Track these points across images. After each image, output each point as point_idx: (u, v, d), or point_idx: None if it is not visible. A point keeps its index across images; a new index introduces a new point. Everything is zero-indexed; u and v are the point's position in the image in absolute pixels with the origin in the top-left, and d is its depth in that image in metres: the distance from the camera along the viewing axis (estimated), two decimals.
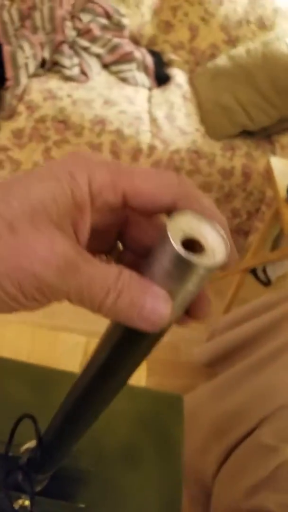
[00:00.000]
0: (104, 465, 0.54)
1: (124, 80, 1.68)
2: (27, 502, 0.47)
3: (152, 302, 0.20)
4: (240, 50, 1.75)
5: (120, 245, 0.26)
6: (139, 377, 0.65)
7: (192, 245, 0.20)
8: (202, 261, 0.19)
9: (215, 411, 1.09)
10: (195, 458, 1.03)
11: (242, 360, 1.17)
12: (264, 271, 1.91)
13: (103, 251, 0.26)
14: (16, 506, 0.46)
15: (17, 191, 0.20)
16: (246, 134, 1.69)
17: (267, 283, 1.92)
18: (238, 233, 1.78)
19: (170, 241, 0.19)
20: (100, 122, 1.49)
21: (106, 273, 0.20)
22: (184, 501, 0.57)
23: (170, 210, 0.22)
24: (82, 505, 0.52)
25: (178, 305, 0.21)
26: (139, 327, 0.21)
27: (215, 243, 0.20)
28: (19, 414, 0.42)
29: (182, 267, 0.19)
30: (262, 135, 1.72)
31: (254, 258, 1.54)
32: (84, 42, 1.66)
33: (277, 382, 1.05)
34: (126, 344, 0.24)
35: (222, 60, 1.77)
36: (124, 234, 0.25)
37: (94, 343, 0.32)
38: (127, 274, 0.20)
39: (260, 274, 1.92)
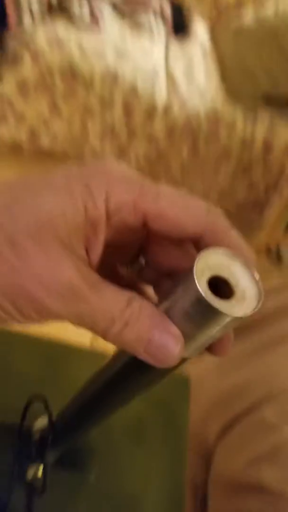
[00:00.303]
0: (112, 439, 0.57)
1: (138, 27, 1.52)
2: (39, 474, 0.49)
3: (161, 339, 0.18)
4: (268, 11, 1.62)
5: (142, 261, 0.24)
6: None
7: (220, 286, 0.18)
8: (229, 308, 0.17)
9: (220, 384, 1.07)
10: (198, 427, 1.04)
11: (252, 337, 1.16)
12: (278, 250, 1.83)
13: (123, 262, 0.24)
14: (29, 477, 0.48)
15: (24, 201, 0.19)
16: (270, 102, 1.57)
17: (279, 262, 1.84)
18: (253, 208, 1.68)
19: (194, 281, 0.17)
20: (112, 75, 1.36)
21: (113, 302, 0.19)
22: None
23: (194, 240, 0.21)
24: (92, 476, 0.56)
25: (195, 347, 0.20)
26: (145, 360, 0.19)
27: (247, 287, 0.18)
28: (30, 388, 0.47)
29: (205, 313, 0.18)
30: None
31: (269, 236, 1.46)
32: None
33: (285, 365, 1.03)
34: (133, 370, 0.23)
35: (248, 18, 1.65)
36: (146, 250, 0.23)
37: None
38: (137, 305, 0.19)
39: (273, 253, 1.83)
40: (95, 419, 0.34)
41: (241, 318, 0.17)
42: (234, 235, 0.20)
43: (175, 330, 0.19)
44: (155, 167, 1.54)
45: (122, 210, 0.20)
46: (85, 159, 1.32)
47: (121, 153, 1.49)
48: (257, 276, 0.19)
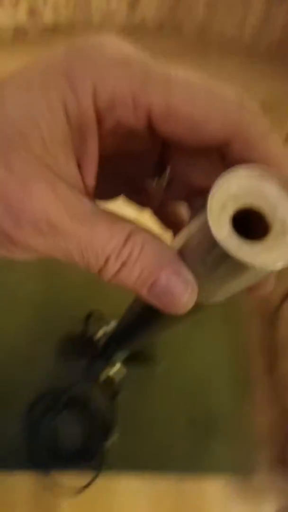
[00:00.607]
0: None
1: None
2: (111, 373, 0.55)
3: (168, 282, 0.15)
4: None
5: (167, 173, 0.19)
6: None
7: (253, 220, 0.14)
8: (261, 256, 0.13)
9: None
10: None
11: None
12: None
13: (145, 175, 0.20)
14: (103, 377, 0.54)
15: None
16: None
17: None
18: None
19: (207, 222, 0.13)
20: None
21: (107, 237, 0.15)
22: None
23: (220, 149, 0.15)
24: (159, 368, 0.59)
25: (215, 295, 0.16)
26: (152, 304, 0.16)
27: None
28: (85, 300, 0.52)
29: (226, 264, 0.13)
30: None
31: None
32: None
33: None
34: (149, 312, 0.21)
35: None
36: (167, 160, 0.18)
37: None
38: (140, 240, 0.15)
39: None
40: (142, 338, 0.35)
41: (277, 269, 0.13)
42: (274, 143, 0.15)
43: (186, 273, 0.15)
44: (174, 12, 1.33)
45: (118, 107, 0.15)
46: (92, 27, 1.17)
47: (131, 8, 1.29)
48: None
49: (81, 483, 0.55)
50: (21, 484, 0.55)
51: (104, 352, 0.52)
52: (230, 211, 0.14)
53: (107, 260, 0.15)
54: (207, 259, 0.14)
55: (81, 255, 0.15)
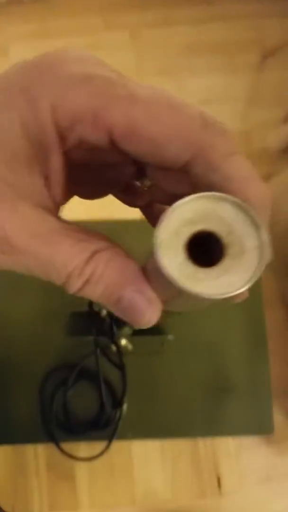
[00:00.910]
0: None
1: None
2: (123, 342, 0.57)
3: (132, 300, 0.15)
4: None
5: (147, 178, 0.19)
6: None
7: (211, 241, 0.13)
8: (214, 286, 0.12)
9: None
10: (280, 243, 1.04)
11: None
12: None
13: (127, 180, 0.20)
14: (114, 347, 0.55)
15: None
16: None
17: None
18: None
19: (158, 254, 0.13)
20: None
21: (69, 255, 0.15)
22: None
23: (185, 168, 0.15)
24: (171, 337, 0.60)
25: (180, 309, 0.17)
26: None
27: (244, 234, 0.13)
28: None
29: (181, 292, 0.13)
30: None
31: None
32: None
33: None
34: None
35: None
36: (144, 168, 0.18)
37: None
38: (104, 258, 0.15)
39: None
40: None
41: (230, 296, 0.13)
42: (237, 164, 0.15)
43: (148, 292, 0.16)
44: None
45: (78, 125, 0.14)
46: None
47: None
48: (264, 231, 0.13)
49: (96, 451, 0.58)
50: (39, 454, 0.58)
51: (111, 327, 0.53)
52: (184, 237, 0.14)
53: (68, 277, 0.15)
54: (166, 283, 0.14)
55: (43, 272, 0.16)
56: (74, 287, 0.16)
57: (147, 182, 0.21)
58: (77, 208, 0.63)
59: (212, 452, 0.60)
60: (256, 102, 1.14)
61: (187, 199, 0.14)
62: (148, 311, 0.16)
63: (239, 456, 0.60)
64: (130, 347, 0.59)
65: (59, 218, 0.16)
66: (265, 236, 0.13)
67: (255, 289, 0.65)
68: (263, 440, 0.61)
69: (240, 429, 0.60)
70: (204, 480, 0.59)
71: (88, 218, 0.63)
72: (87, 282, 0.16)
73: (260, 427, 0.60)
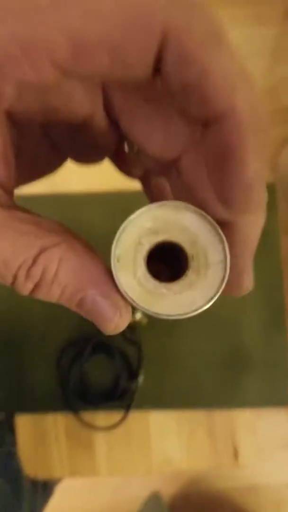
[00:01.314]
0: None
1: None
2: (138, 316, 0.57)
3: (95, 303, 0.14)
4: None
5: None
6: None
7: (176, 250, 0.12)
8: (175, 304, 0.12)
9: None
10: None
11: None
12: None
13: (112, 143, 0.18)
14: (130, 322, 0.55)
15: None
16: None
17: None
18: None
19: (116, 275, 0.12)
20: None
21: (12, 255, 0.13)
22: None
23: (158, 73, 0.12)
24: None
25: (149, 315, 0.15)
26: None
27: (209, 245, 0.12)
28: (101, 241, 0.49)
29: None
30: None
31: None
32: None
33: None
34: None
35: None
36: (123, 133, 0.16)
37: None
38: (55, 257, 0.13)
39: None
40: None
41: (193, 314, 0.13)
42: (223, 52, 0.11)
43: (115, 298, 0.14)
44: None
45: (8, 66, 0.11)
46: None
47: None
48: (225, 238, 0.12)
49: (114, 420, 0.59)
50: (58, 423, 0.60)
51: None
52: (145, 249, 0.13)
53: (15, 278, 0.14)
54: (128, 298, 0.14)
55: None
56: (24, 289, 0.14)
57: (136, 147, 0.18)
58: (92, 180, 0.62)
59: (229, 423, 0.60)
60: (282, 56, 1.07)
61: (145, 208, 0.12)
62: (115, 317, 0.14)
63: (256, 428, 0.60)
64: (145, 321, 0.59)
65: (1, 205, 0.14)
66: (228, 250, 0.12)
67: (273, 257, 0.62)
68: (281, 412, 0.61)
69: (257, 400, 0.60)
70: (220, 451, 0.59)
71: (105, 188, 0.62)
72: (38, 285, 0.14)
73: (278, 398, 0.60)
